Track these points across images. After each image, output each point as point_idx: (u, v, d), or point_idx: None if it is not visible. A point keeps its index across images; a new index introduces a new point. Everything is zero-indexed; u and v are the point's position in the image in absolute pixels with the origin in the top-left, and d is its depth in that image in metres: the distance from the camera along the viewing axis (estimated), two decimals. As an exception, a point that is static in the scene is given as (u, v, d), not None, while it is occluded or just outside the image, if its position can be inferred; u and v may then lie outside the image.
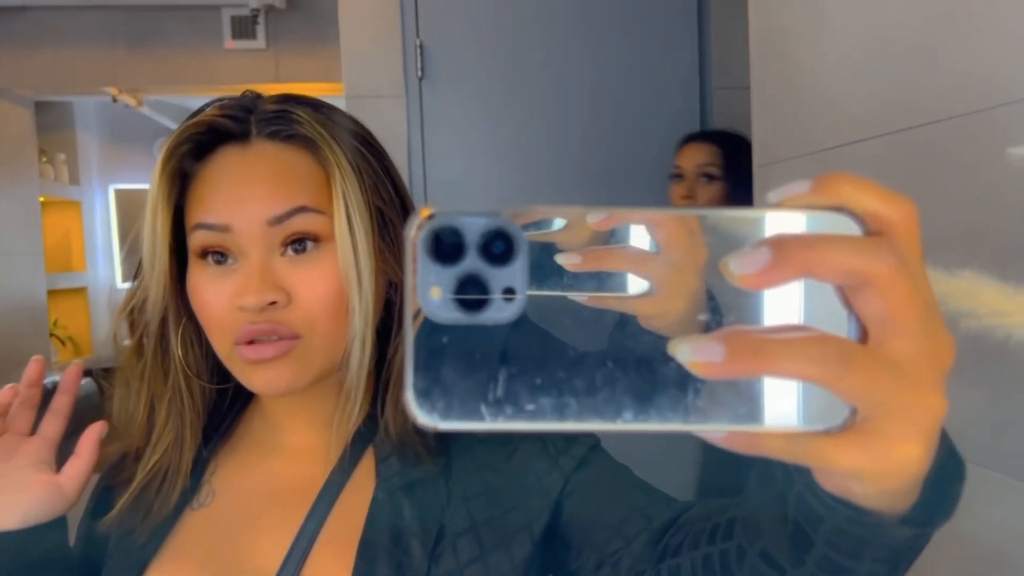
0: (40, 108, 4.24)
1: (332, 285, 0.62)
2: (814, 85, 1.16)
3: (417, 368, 0.26)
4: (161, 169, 0.64)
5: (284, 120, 0.65)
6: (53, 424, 0.73)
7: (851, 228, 0.26)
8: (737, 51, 2.27)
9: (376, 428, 0.68)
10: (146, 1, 3.30)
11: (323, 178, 0.64)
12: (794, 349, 0.24)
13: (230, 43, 3.35)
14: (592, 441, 0.67)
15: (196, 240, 0.63)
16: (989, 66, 0.81)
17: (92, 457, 0.71)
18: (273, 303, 0.61)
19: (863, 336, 0.26)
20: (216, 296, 0.62)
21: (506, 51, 2.27)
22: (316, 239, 0.63)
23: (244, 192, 0.62)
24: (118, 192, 5.14)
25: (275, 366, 0.62)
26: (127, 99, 4.13)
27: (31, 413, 0.73)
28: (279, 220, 0.62)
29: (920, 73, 0.92)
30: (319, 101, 0.69)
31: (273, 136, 0.65)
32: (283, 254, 0.62)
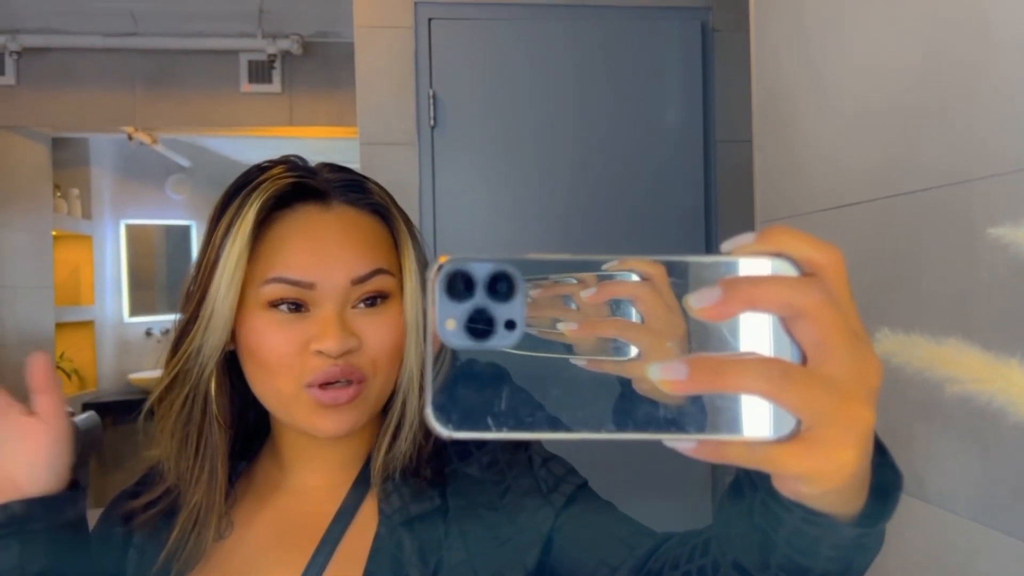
0: (56, 144, 4.33)
1: (394, 333, 0.69)
2: (814, 147, 1.20)
3: (436, 388, 0.32)
4: (249, 220, 0.67)
5: (359, 188, 0.72)
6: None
7: (792, 271, 0.32)
8: (740, 105, 2.33)
9: (379, 468, 0.73)
10: (165, 45, 3.40)
11: (390, 242, 0.72)
12: (743, 368, 0.30)
13: (246, 87, 3.43)
14: (580, 480, 0.73)
15: (271, 291, 0.67)
16: (983, 135, 0.85)
17: (53, 386, 0.66)
18: (349, 350, 0.67)
19: (804, 360, 0.32)
20: (288, 340, 0.66)
21: (515, 103, 2.33)
22: (386, 296, 0.70)
23: (328, 254, 0.68)
24: (129, 227, 5.21)
25: (346, 409, 0.67)
26: (142, 137, 4.22)
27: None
28: (361, 280, 0.68)
29: (915, 140, 0.96)
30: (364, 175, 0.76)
31: (352, 202, 0.72)
32: (354, 306, 0.69)
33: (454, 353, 0.32)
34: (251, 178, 0.70)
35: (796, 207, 1.24)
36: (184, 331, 0.69)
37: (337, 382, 0.67)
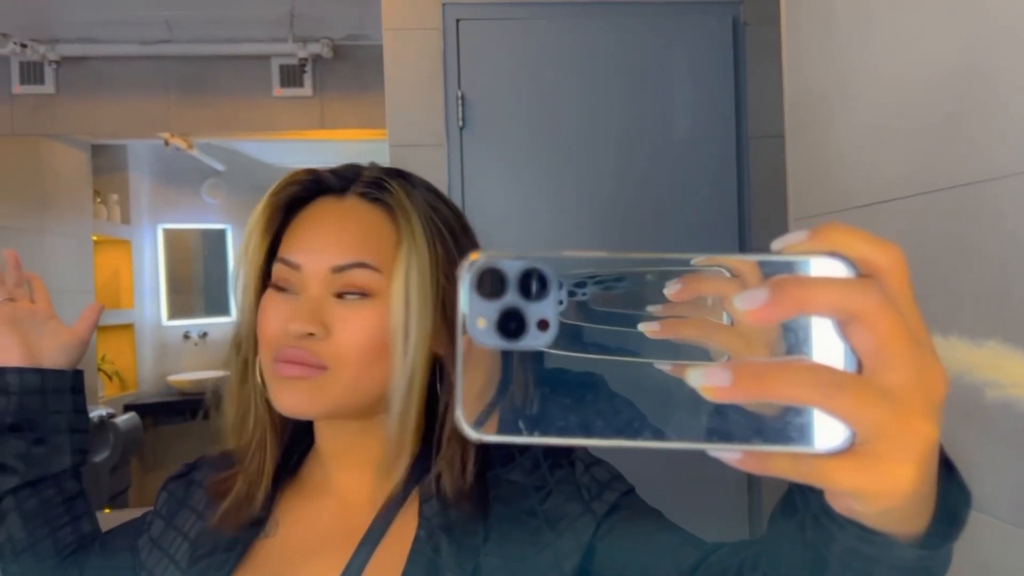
0: (96, 151, 4.42)
1: (368, 331, 0.69)
2: (847, 142, 1.18)
3: (467, 390, 0.31)
4: (264, 207, 0.73)
5: (376, 185, 0.73)
6: (42, 299, 0.93)
7: (845, 272, 0.30)
8: (773, 100, 2.29)
9: (421, 474, 0.73)
10: (199, 51, 3.45)
11: (392, 240, 0.71)
12: (792, 375, 0.28)
13: (278, 91, 3.47)
14: (625, 487, 0.70)
15: (275, 271, 0.72)
16: (1022, 130, 0.83)
17: (91, 326, 0.93)
18: (311, 334, 0.68)
19: (860, 368, 0.29)
20: (275, 318, 0.70)
21: (544, 102, 2.32)
22: (365, 294, 0.69)
23: (318, 240, 0.70)
24: (166, 231, 5.29)
25: (299, 387, 0.68)
26: (178, 142, 4.29)
27: (25, 290, 0.93)
28: (340, 269, 0.69)
29: (952, 135, 0.94)
30: (419, 179, 0.77)
31: (363, 195, 0.73)
32: (339, 296, 0.70)
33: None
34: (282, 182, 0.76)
35: (830, 204, 1.21)
36: (235, 329, 0.77)
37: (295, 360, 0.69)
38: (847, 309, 0.28)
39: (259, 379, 0.74)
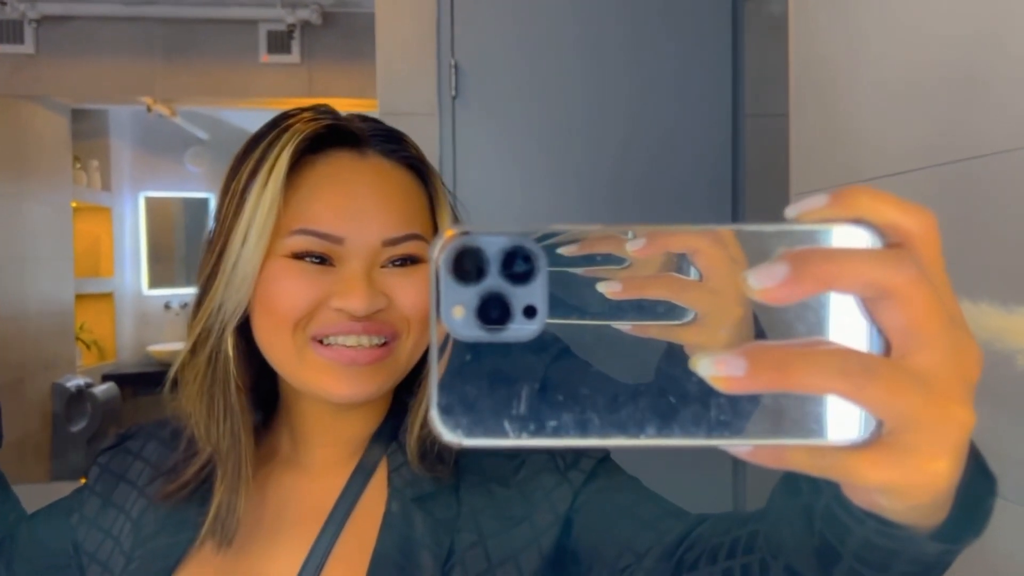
0: (76, 115, 4.33)
1: (425, 297, 0.62)
2: (853, 115, 1.15)
3: (442, 386, 0.27)
4: (281, 164, 0.61)
5: (395, 140, 0.67)
6: None
7: (870, 241, 0.26)
8: (770, 78, 2.27)
9: (389, 443, 0.69)
10: (185, 14, 3.36)
11: (425, 202, 0.67)
12: (815, 362, 0.24)
13: (265, 57, 3.40)
14: (601, 453, 0.66)
15: (295, 243, 0.62)
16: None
17: None
18: (379, 310, 0.62)
19: (887, 349, 0.26)
20: (307, 292, 0.61)
21: (539, 73, 2.28)
22: (416, 261, 0.64)
23: (361, 209, 0.63)
24: (148, 199, 5.22)
25: (366, 373, 0.62)
26: (161, 109, 4.20)
27: None
28: (394, 242, 0.63)
29: (961, 107, 0.92)
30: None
31: (388, 153, 0.66)
32: (383, 266, 0.63)
33: (463, 344, 0.27)
34: (278, 122, 0.65)
35: (834, 178, 1.19)
36: (205, 288, 0.64)
37: (359, 344, 0.61)
38: (878, 284, 0.25)
39: (234, 364, 0.64)
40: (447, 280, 0.26)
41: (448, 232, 0.26)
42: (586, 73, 2.29)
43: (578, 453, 0.65)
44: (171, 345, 4.97)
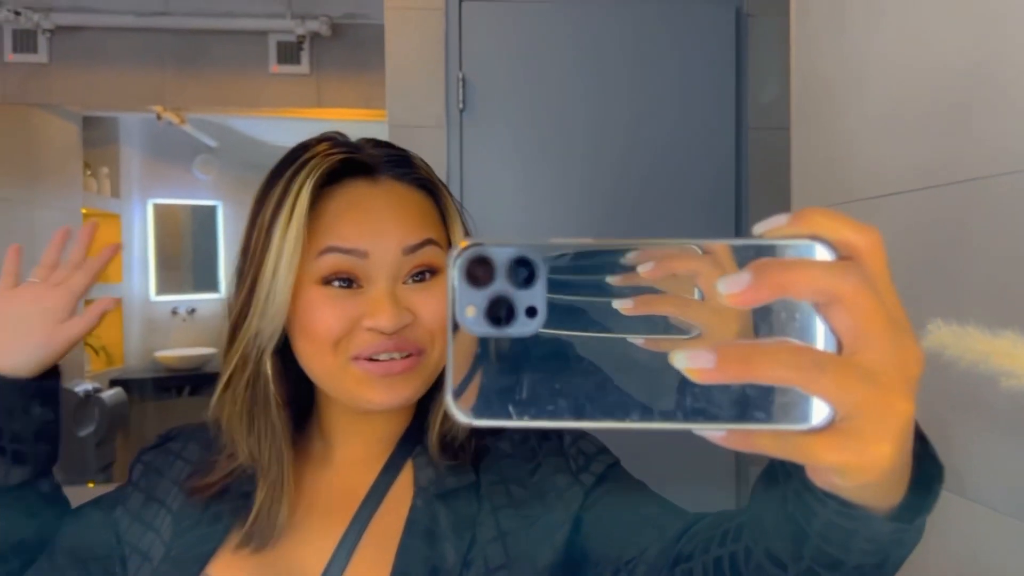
0: (87, 123, 4.37)
1: (445, 309, 0.67)
2: (855, 134, 1.18)
3: (456, 374, 0.32)
4: (306, 193, 0.67)
5: (406, 164, 0.73)
6: (80, 278, 0.81)
7: (828, 255, 0.31)
8: (773, 92, 2.29)
9: (415, 443, 0.75)
10: (196, 25, 3.40)
11: (437, 216, 0.73)
12: (773, 357, 0.29)
13: (275, 68, 3.43)
14: (611, 459, 0.73)
15: (325, 263, 0.67)
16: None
17: (92, 322, 0.80)
18: (405, 325, 0.68)
19: (840, 347, 0.30)
20: (340, 316, 0.67)
21: (546, 86, 2.31)
22: (435, 271, 0.70)
23: (380, 223, 0.69)
24: (156, 206, 5.25)
25: (399, 381, 0.68)
26: (171, 117, 4.24)
27: (68, 270, 0.81)
28: (413, 249, 0.69)
29: (962, 127, 0.94)
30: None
31: (399, 177, 0.72)
32: (405, 282, 0.69)
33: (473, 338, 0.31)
34: (296, 156, 0.70)
35: (835, 195, 1.21)
36: (240, 318, 0.70)
37: (391, 357, 0.68)
38: (827, 291, 0.29)
39: (274, 384, 0.70)
40: (461, 284, 0.31)
41: (462, 243, 0.31)
42: (591, 86, 2.31)
43: (589, 458, 0.72)
44: (178, 351, 5.00)
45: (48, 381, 0.78)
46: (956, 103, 0.95)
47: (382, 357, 0.68)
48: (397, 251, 0.68)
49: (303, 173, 0.68)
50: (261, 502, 0.71)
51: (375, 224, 0.68)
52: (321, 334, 0.67)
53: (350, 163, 0.71)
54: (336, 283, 0.68)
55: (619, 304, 0.32)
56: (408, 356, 0.68)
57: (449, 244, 0.72)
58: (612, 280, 0.32)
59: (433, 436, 0.73)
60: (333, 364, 0.68)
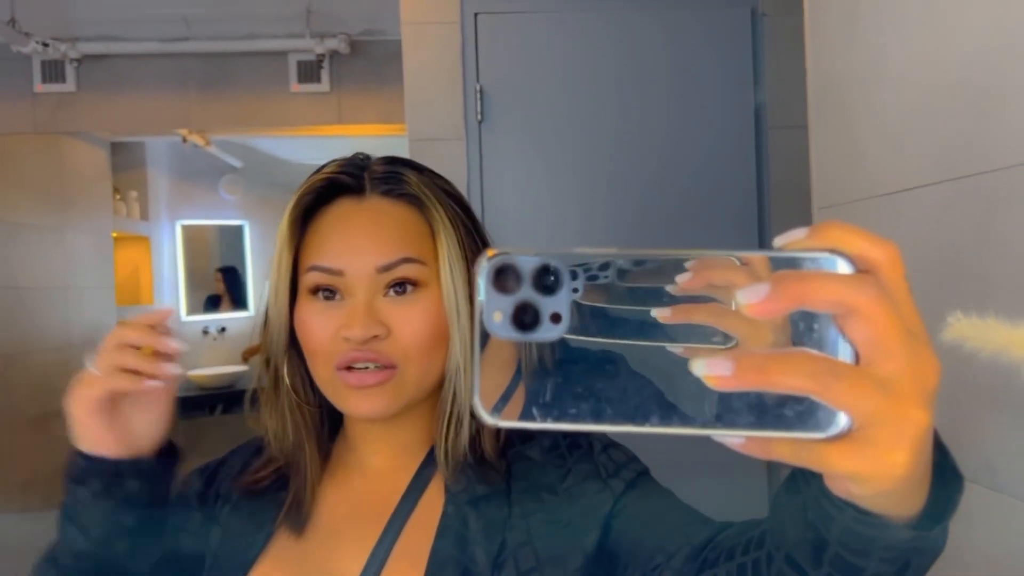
0: (115, 148, 4.46)
1: (427, 323, 0.71)
2: (874, 129, 1.17)
3: (485, 379, 0.33)
4: (288, 217, 0.74)
5: (395, 180, 0.74)
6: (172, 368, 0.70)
7: (846, 268, 0.31)
8: (792, 90, 2.28)
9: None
10: (218, 48, 3.46)
11: (426, 232, 0.73)
12: (790, 365, 0.29)
13: (296, 87, 3.48)
14: (640, 467, 0.74)
15: (310, 279, 0.72)
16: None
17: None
18: (375, 336, 0.69)
19: (857, 358, 0.31)
20: (323, 327, 0.71)
21: (562, 95, 2.32)
22: (415, 284, 0.71)
23: (357, 242, 0.71)
24: (185, 228, 5.33)
25: (374, 392, 0.70)
26: (196, 139, 4.32)
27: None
28: (387, 268, 0.71)
29: (982, 120, 0.93)
30: (421, 165, 0.78)
31: (386, 193, 0.74)
32: (385, 295, 0.71)
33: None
34: (307, 179, 0.75)
35: (855, 192, 1.21)
36: (264, 332, 0.77)
37: (366, 367, 0.70)
38: (844, 303, 0.30)
39: (290, 386, 0.76)
40: (489, 291, 0.32)
41: (489, 252, 0.32)
42: (608, 94, 2.32)
43: (619, 465, 0.73)
44: (210, 370, 5.07)
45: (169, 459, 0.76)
46: (974, 94, 0.94)
47: (357, 366, 0.70)
48: (370, 270, 0.70)
49: (295, 196, 0.74)
50: (293, 492, 0.75)
51: (352, 243, 0.71)
52: (311, 344, 0.72)
53: (337, 183, 0.74)
54: (321, 295, 0.72)
55: (656, 312, 0.33)
56: (382, 369, 0.70)
57: (437, 260, 0.72)
58: (658, 286, 0.33)
59: (447, 442, 0.74)
60: (325, 374, 0.72)
